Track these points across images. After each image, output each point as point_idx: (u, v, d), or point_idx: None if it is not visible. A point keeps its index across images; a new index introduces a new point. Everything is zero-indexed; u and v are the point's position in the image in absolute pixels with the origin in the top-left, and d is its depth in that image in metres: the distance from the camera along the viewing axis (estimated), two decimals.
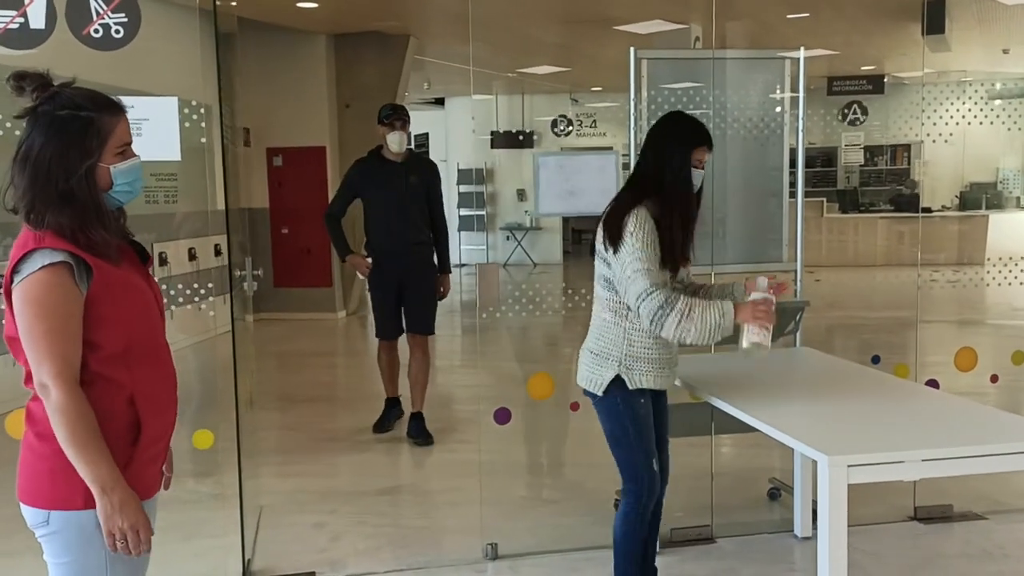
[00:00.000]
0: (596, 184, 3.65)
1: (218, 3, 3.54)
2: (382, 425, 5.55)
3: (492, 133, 14.26)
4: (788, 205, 4.14)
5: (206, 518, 4.12)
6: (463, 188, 14.56)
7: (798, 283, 4.11)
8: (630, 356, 2.86)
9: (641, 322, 2.81)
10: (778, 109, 4.07)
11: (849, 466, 2.36)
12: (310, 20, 9.14)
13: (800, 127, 4.03)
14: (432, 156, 15.76)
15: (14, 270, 1.90)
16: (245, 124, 9.91)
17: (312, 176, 9.72)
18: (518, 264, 14.06)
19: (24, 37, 3.28)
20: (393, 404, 5.66)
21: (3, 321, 1.98)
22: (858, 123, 11.75)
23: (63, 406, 1.88)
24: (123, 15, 3.34)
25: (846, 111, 11.46)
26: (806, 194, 4.14)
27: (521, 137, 14.49)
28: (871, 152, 15.61)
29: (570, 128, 14.67)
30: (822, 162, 15.15)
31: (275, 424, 5.94)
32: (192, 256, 7.41)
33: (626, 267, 2.77)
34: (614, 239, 2.79)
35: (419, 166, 5.38)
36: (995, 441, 2.49)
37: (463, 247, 14.38)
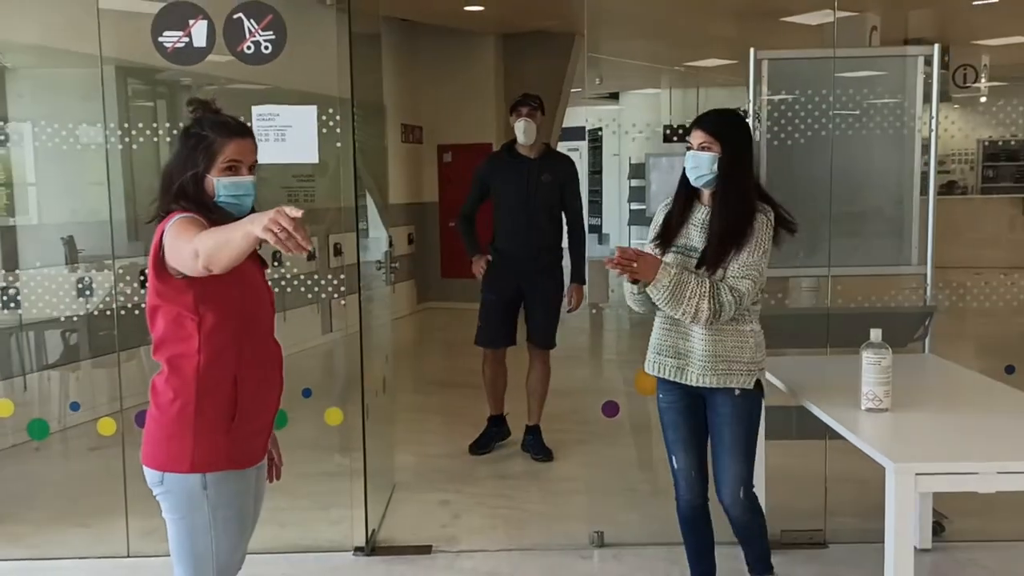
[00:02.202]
0: None
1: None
2: (480, 445, 5.11)
3: (665, 127, 14.17)
4: (920, 206, 4.01)
5: (345, 489, 4.48)
6: (635, 183, 14.56)
7: (928, 288, 3.98)
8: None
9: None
10: (907, 106, 3.94)
11: (917, 474, 2.34)
12: (478, 22, 9.50)
13: (933, 125, 3.89)
14: (606, 151, 15.91)
15: (162, 234, 2.20)
16: (419, 123, 10.44)
17: None
18: None
19: (189, 54, 3.72)
20: (497, 423, 5.18)
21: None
22: None
23: (204, 249, 2.01)
24: (271, 32, 3.71)
25: None
26: (1005, 190, 3.98)
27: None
28: None
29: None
30: None
31: (423, 407, 6.31)
32: (338, 251, 7.83)
33: None
34: None
35: (553, 163, 4.94)
36: None
37: (633, 241, 14.39)
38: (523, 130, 4.82)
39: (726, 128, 2.85)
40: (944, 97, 6.37)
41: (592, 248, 13.67)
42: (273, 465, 2.60)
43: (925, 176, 4.04)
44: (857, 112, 3.92)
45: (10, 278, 4.32)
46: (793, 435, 3.88)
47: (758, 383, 2.93)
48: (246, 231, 1.95)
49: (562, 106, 10.51)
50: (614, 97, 15.49)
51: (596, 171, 16.15)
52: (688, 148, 2.88)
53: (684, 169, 2.89)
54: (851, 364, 2.92)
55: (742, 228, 2.79)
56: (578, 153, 17.00)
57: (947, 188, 12.69)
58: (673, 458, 3.05)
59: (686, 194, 2.93)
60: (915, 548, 3.73)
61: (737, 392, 2.88)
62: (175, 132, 3.63)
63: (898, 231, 4.09)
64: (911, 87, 4.00)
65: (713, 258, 2.80)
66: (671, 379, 2.97)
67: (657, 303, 2.82)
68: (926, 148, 3.98)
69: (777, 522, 3.84)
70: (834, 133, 3.86)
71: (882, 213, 4.13)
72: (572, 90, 11.03)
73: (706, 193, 2.88)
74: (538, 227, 4.89)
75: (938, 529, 3.83)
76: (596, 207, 16.02)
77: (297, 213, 1.90)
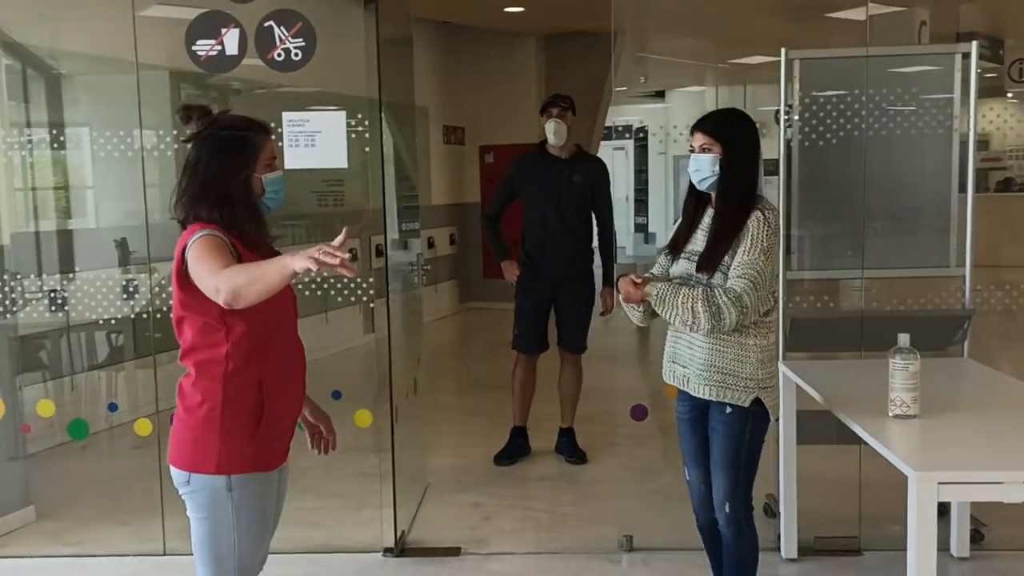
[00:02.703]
0: None
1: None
2: (506, 456, 5.01)
3: None
4: (957, 206, 3.91)
5: (376, 490, 4.52)
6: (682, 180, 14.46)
7: (967, 290, 3.88)
8: None
9: None
10: (945, 106, 3.86)
11: (940, 483, 2.29)
12: (519, 23, 9.52)
13: (972, 124, 3.80)
14: (651, 148, 15.81)
15: (184, 251, 2.25)
16: (461, 124, 10.50)
17: None
18: None
19: (221, 62, 3.79)
20: (519, 435, 5.08)
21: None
22: None
23: (231, 286, 2.09)
24: (301, 40, 3.75)
25: None
26: None
27: None
28: None
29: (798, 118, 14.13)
30: None
31: (462, 408, 6.35)
32: (379, 252, 7.88)
33: None
34: None
35: (584, 165, 4.89)
36: None
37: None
38: (553, 131, 4.77)
39: (726, 129, 2.79)
40: (999, 92, 6.23)
41: (638, 247, 13.65)
42: (322, 438, 2.62)
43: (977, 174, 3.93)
44: (893, 111, 3.84)
45: (64, 281, 4.46)
46: (833, 440, 3.81)
47: (759, 402, 2.80)
48: (283, 265, 2.03)
49: (604, 106, 10.47)
50: (660, 95, 15.40)
51: (642, 170, 16.06)
52: (690, 151, 2.83)
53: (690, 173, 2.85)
54: (885, 369, 2.85)
55: (737, 228, 2.72)
56: (624, 152, 16.99)
57: (1004, 185, 12.37)
58: (686, 470, 3.02)
59: (696, 199, 2.88)
60: (953, 556, 3.71)
61: (728, 409, 2.78)
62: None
63: (939, 232, 4.00)
64: (950, 84, 3.90)
65: (707, 258, 2.75)
66: (680, 387, 2.93)
67: (661, 315, 2.79)
68: (980, 145, 3.87)
69: (811, 528, 3.81)
70: (867, 133, 3.80)
71: (923, 214, 4.04)
72: (617, 89, 11.00)
73: (714, 196, 2.83)
74: (569, 228, 4.85)
75: (977, 537, 3.75)
76: (642, 206, 15.93)
77: (342, 239, 2.01)
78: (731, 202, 2.76)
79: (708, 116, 2.86)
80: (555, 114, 4.77)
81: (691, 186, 2.87)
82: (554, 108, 4.79)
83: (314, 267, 1.97)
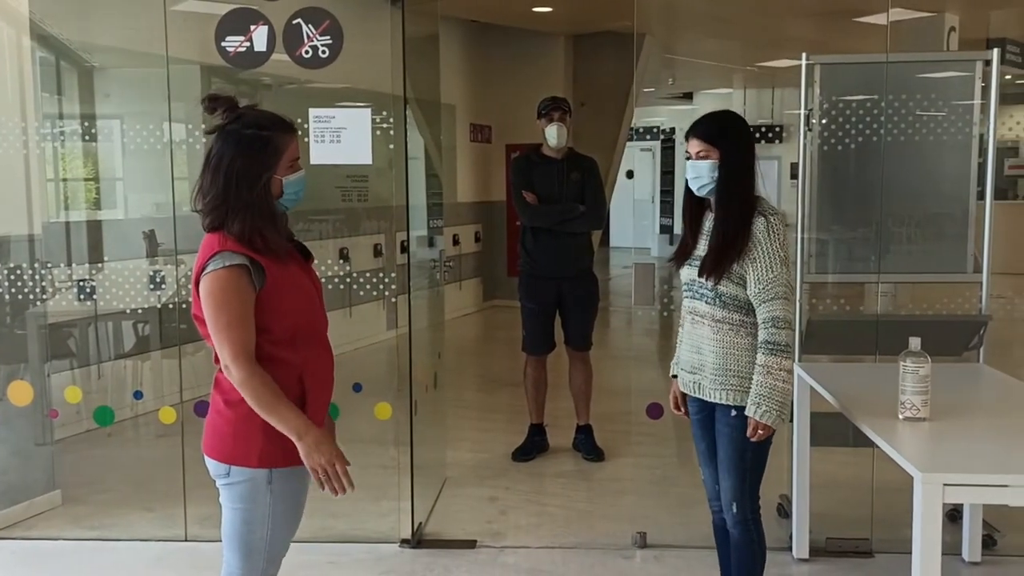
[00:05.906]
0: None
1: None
2: (523, 452, 5.09)
3: None
4: (976, 212, 3.91)
5: (395, 483, 4.58)
6: None
7: (983, 297, 3.88)
8: None
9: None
10: (965, 113, 3.86)
11: (945, 485, 2.32)
12: (547, 23, 9.58)
13: (991, 130, 3.80)
14: (677, 150, 15.79)
15: (203, 266, 2.26)
16: (488, 122, 10.56)
17: None
18: None
19: (250, 58, 3.86)
20: (536, 432, 5.18)
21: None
22: None
23: (244, 380, 2.21)
24: (328, 38, 3.82)
25: None
26: None
27: (771, 133, 14.09)
28: None
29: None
30: None
31: (484, 405, 6.41)
32: (404, 248, 7.94)
33: None
34: None
35: (579, 162, 4.98)
36: None
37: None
38: (556, 134, 4.85)
39: (721, 132, 2.77)
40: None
41: (663, 249, 13.63)
42: None
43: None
44: (913, 117, 3.85)
45: (93, 271, 4.55)
46: (847, 442, 3.84)
47: None
48: (295, 432, 2.21)
49: (631, 106, 10.50)
50: (688, 97, 15.37)
51: (668, 171, 16.05)
52: (687, 158, 2.82)
53: (686, 181, 2.84)
54: (898, 372, 2.86)
55: (744, 234, 2.71)
56: (651, 153, 16.97)
57: None
58: (701, 469, 3.05)
59: (694, 205, 2.87)
60: (964, 560, 3.71)
61: (733, 412, 2.77)
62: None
63: (958, 237, 4.00)
64: (972, 91, 3.91)
65: (712, 265, 2.74)
66: (694, 394, 2.91)
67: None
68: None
69: (823, 529, 3.83)
70: (886, 139, 3.81)
71: (942, 219, 4.04)
72: (644, 90, 11.00)
73: (713, 201, 2.82)
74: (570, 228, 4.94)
75: (989, 542, 3.76)
76: (668, 207, 15.91)
77: (347, 465, 2.25)
78: (733, 206, 2.74)
79: (701, 121, 2.81)
80: (557, 118, 4.85)
81: (687, 193, 2.86)
82: (556, 112, 4.86)
83: (313, 477, 2.24)
